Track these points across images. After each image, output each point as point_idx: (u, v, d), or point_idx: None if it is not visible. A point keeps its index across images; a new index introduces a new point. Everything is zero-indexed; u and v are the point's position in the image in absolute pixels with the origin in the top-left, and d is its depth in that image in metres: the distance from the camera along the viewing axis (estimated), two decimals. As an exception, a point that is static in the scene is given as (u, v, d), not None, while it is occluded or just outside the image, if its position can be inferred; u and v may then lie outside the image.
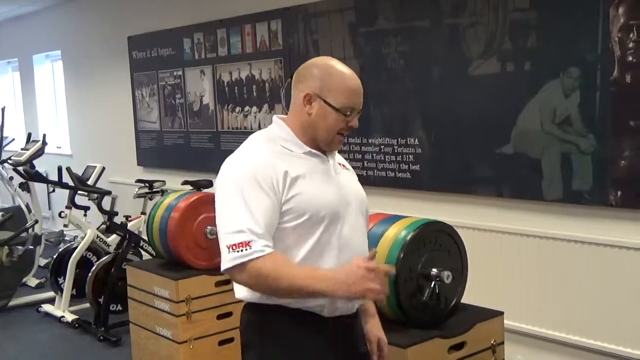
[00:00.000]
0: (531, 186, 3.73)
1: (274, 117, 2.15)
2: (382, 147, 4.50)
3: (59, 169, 5.57)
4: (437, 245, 2.91)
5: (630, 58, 3.29)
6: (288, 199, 1.96)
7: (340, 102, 2.03)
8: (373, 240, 2.90)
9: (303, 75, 2.08)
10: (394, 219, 3.00)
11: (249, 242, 1.89)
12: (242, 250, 1.89)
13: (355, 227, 2.09)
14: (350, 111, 2.06)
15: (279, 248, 1.96)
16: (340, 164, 2.20)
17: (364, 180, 4.60)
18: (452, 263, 2.92)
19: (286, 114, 2.16)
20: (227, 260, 1.92)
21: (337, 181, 2.10)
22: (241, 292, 2.06)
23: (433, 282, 2.83)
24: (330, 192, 2.05)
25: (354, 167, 4.59)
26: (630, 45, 3.29)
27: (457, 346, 2.85)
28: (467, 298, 3.05)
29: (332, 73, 2.05)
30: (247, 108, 5.57)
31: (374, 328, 2.27)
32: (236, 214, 1.92)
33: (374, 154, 4.56)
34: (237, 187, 1.94)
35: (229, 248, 1.91)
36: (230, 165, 2.01)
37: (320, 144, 2.09)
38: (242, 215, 1.91)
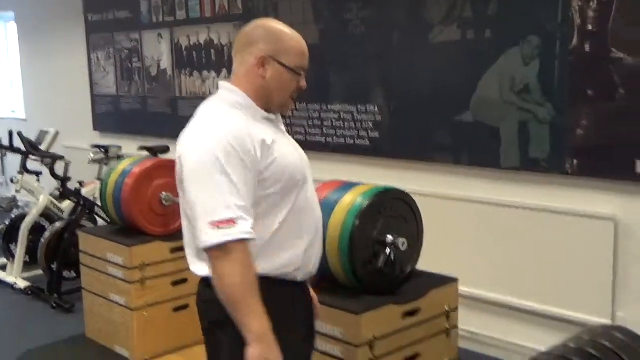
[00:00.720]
0: (489, 154, 3.73)
1: (223, 84, 2.07)
2: (342, 113, 4.46)
3: (10, 133, 5.42)
4: (394, 212, 2.90)
5: (590, 27, 3.28)
6: (266, 167, 1.92)
7: (294, 62, 2.02)
8: (329, 207, 2.87)
9: (251, 38, 2.02)
10: (350, 186, 2.98)
11: (234, 219, 1.82)
12: (227, 228, 1.81)
13: (312, 187, 2.12)
14: (303, 71, 2.05)
15: (257, 214, 1.90)
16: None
17: (323, 147, 4.62)
18: (408, 230, 2.91)
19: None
20: (212, 237, 1.81)
21: (292, 144, 2.10)
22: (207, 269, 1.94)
23: (388, 249, 2.82)
24: (296, 156, 2.05)
25: (313, 134, 4.63)
26: (591, 14, 3.27)
27: (412, 312, 2.86)
28: (422, 265, 3.05)
29: (283, 35, 2.02)
30: (205, 73, 5.47)
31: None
32: (218, 188, 1.83)
33: (334, 121, 4.52)
34: (217, 158, 1.84)
35: (213, 224, 1.81)
36: (204, 137, 1.90)
37: (273, 108, 2.05)
38: (225, 190, 1.83)
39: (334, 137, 4.53)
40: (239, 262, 1.83)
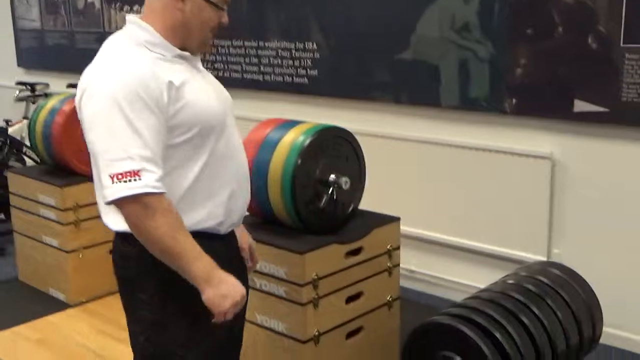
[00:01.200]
0: (429, 92, 3.72)
1: (131, 18, 1.87)
2: (280, 51, 4.37)
3: None
4: (335, 151, 2.87)
5: (531, -36, 3.27)
6: (175, 112, 1.75)
7: None
8: (270, 146, 2.82)
9: None
10: (291, 124, 2.93)
11: (138, 171, 1.65)
12: (130, 181, 1.64)
13: (235, 133, 1.96)
14: (226, 5, 1.89)
15: (167, 168, 1.75)
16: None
17: (261, 85, 4.53)
18: (350, 169, 2.90)
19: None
20: (114, 191, 1.65)
21: (210, 85, 1.93)
22: (121, 224, 1.78)
23: (331, 189, 2.80)
24: (213, 98, 1.88)
25: (250, 72, 4.53)
26: (531, -50, 3.26)
27: (354, 251, 2.86)
28: (364, 204, 3.04)
29: None
30: (136, 7, 5.25)
31: (244, 235, 2.15)
32: (120, 137, 1.66)
33: (271, 58, 4.42)
34: (117, 103, 1.66)
35: (112, 177, 1.65)
36: (104, 77, 1.72)
37: (191, 45, 1.88)
38: (127, 139, 1.66)
39: (272, 75, 4.44)
40: (159, 212, 1.68)
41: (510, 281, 2.71)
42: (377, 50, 3.89)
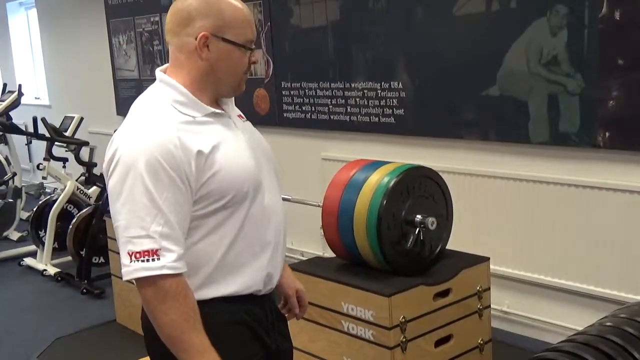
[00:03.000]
0: (517, 129, 3.65)
1: (159, 74, 1.75)
2: (366, 91, 4.39)
3: (34, 120, 5.43)
4: (422, 191, 2.85)
5: (620, -7, 3.18)
6: (204, 182, 1.64)
7: (243, 35, 1.72)
8: (355, 187, 2.83)
9: (186, 17, 1.69)
10: (377, 164, 2.93)
11: (156, 250, 1.56)
12: (148, 260, 1.56)
13: (272, 189, 1.81)
14: (252, 44, 1.76)
15: (198, 236, 1.67)
16: (238, 115, 1.87)
17: (348, 126, 4.57)
18: (436, 209, 2.86)
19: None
20: (130, 270, 1.58)
21: (246, 142, 1.78)
22: None
23: (417, 229, 2.77)
24: (248, 160, 1.73)
25: (337, 113, 4.57)
26: (620, -20, 3.17)
27: (443, 293, 2.82)
28: (452, 244, 3.00)
29: (222, 6, 1.70)
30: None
31: (289, 281, 2.01)
32: (139, 211, 1.57)
33: (357, 99, 4.45)
34: (139, 174, 1.57)
35: (131, 255, 1.57)
36: (129, 146, 1.61)
37: (223, 93, 1.78)
38: (146, 214, 1.57)
39: (358, 116, 4.46)
40: (171, 297, 1.58)
41: (608, 323, 2.58)
42: (463, 87, 3.85)
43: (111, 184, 1.63)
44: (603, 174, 3.37)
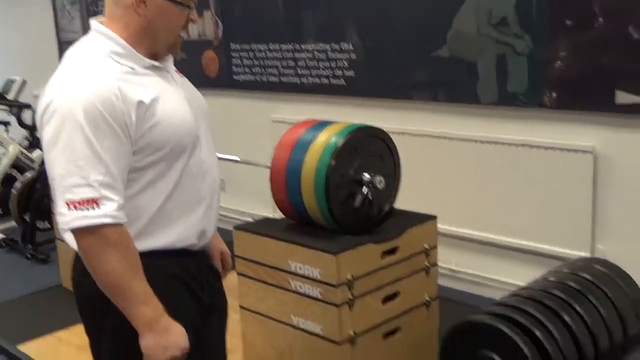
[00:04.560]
0: (467, 89, 3.66)
1: (95, 25, 1.71)
2: (316, 52, 4.35)
3: (-26, 83, 5.26)
4: (370, 150, 2.83)
5: (568, -46, 3.19)
6: (144, 132, 1.62)
7: None
8: (303, 147, 2.80)
9: None
10: (324, 124, 2.90)
11: (97, 199, 1.53)
12: (88, 209, 1.53)
13: (209, 146, 1.82)
14: (192, 2, 1.74)
15: (136, 189, 1.65)
16: (175, 70, 1.84)
17: (298, 88, 4.52)
18: (384, 168, 2.85)
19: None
20: (68, 219, 1.54)
21: (184, 97, 1.78)
22: None
23: (365, 188, 2.75)
24: (186, 114, 1.73)
25: (286, 75, 4.52)
26: (568, -60, 3.17)
27: (390, 251, 2.82)
28: (401, 204, 3.00)
29: None
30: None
31: (215, 242, 1.99)
32: (79, 160, 1.53)
33: (308, 61, 4.40)
34: (79, 124, 1.53)
35: (69, 204, 1.53)
36: (67, 95, 1.57)
37: (160, 50, 1.74)
38: (86, 163, 1.53)
39: (309, 77, 4.42)
40: (112, 246, 1.56)
41: (552, 278, 2.63)
42: (412, 49, 3.84)
43: (47, 134, 1.59)
44: (550, 134, 3.41)
